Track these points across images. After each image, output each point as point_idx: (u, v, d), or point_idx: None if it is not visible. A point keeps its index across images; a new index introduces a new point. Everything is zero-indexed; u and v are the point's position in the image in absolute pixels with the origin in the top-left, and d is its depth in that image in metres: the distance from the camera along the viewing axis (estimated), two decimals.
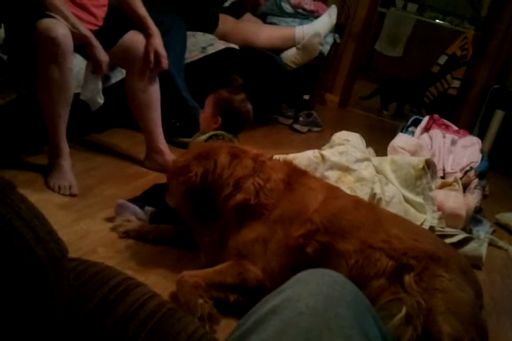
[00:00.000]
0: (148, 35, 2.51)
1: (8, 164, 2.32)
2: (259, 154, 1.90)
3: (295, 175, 1.87)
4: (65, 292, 0.76)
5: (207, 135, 2.18)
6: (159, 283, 1.75)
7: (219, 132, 2.19)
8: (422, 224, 2.37)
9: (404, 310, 1.49)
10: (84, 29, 2.27)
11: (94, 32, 2.42)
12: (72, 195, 2.23)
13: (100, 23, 2.49)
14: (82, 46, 2.28)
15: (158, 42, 2.52)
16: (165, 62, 2.55)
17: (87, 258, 1.06)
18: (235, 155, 1.82)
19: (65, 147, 2.32)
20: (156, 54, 2.51)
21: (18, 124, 2.43)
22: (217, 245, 1.79)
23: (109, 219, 2.09)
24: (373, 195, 2.41)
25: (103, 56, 2.32)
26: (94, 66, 2.34)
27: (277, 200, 1.78)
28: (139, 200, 2.15)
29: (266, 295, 0.85)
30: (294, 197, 1.80)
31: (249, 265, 1.68)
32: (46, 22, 2.12)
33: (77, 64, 2.30)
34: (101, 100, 2.51)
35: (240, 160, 1.81)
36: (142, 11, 2.53)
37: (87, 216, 2.09)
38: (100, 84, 2.49)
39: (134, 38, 2.51)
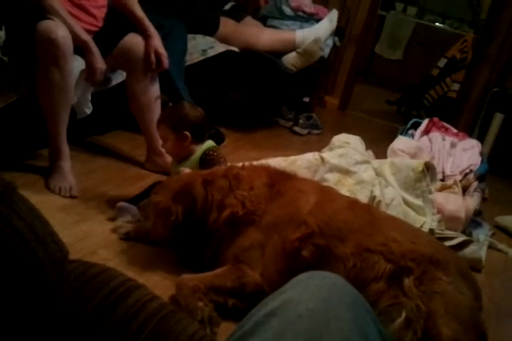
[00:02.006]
0: (147, 37, 2.52)
1: (9, 166, 2.32)
2: (228, 168, 1.92)
3: (280, 179, 1.88)
4: (65, 293, 0.76)
5: (199, 153, 2.13)
6: (160, 284, 1.75)
7: (209, 145, 2.17)
8: (422, 226, 2.37)
9: (404, 315, 1.49)
10: (84, 34, 2.28)
11: (94, 33, 2.44)
12: (72, 197, 2.23)
13: (100, 24, 2.50)
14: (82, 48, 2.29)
15: (157, 42, 2.52)
16: (166, 62, 2.55)
17: (88, 259, 1.06)
18: (208, 182, 1.84)
19: (66, 149, 2.32)
20: (157, 54, 2.51)
21: (19, 126, 2.43)
22: (213, 261, 1.80)
23: (110, 221, 2.09)
24: (373, 198, 2.41)
25: (100, 63, 2.31)
26: (88, 73, 2.33)
27: (266, 205, 1.79)
28: (138, 199, 2.16)
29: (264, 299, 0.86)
30: (284, 201, 1.80)
31: (247, 269, 1.68)
32: (46, 24, 2.12)
33: (78, 66, 2.30)
34: (88, 110, 2.54)
35: (213, 184, 1.83)
36: (139, 12, 2.53)
37: (88, 218, 2.09)
38: (89, 94, 2.51)
39: (133, 41, 2.51)
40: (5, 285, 0.66)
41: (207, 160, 2.12)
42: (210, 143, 2.19)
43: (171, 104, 2.24)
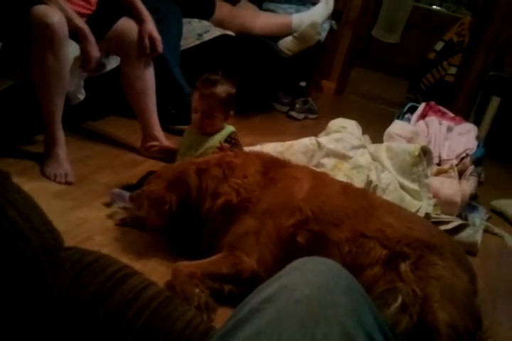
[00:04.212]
0: (140, 21, 2.50)
1: (4, 152, 2.31)
2: (222, 156, 1.91)
3: (274, 166, 1.87)
4: (60, 282, 0.76)
5: (225, 133, 2.19)
6: (155, 270, 1.75)
7: (230, 131, 2.21)
8: (418, 211, 2.38)
9: (399, 300, 1.50)
10: (80, 21, 2.25)
11: (88, 16, 2.41)
12: (68, 183, 2.22)
13: (93, 7, 2.48)
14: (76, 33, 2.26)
15: (151, 26, 2.50)
16: (160, 46, 2.53)
17: (83, 246, 1.06)
18: (202, 170, 1.84)
19: (61, 135, 2.31)
20: (151, 38, 2.49)
21: (14, 112, 2.42)
22: (208, 249, 1.80)
23: (106, 207, 2.09)
24: (369, 182, 2.41)
25: (95, 51, 2.30)
26: (83, 60, 2.31)
27: (260, 192, 1.78)
28: (135, 188, 2.15)
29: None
30: (278, 188, 1.80)
31: (243, 256, 1.68)
32: (41, 8, 2.10)
33: (71, 52, 2.28)
34: (81, 96, 2.54)
35: (207, 172, 1.83)
36: None
37: (83, 204, 2.09)
38: (82, 81, 2.50)
39: (126, 25, 2.49)
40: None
41: (232, 143, 2.19)
42: (230, 126, 2.24)
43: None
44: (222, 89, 2.17)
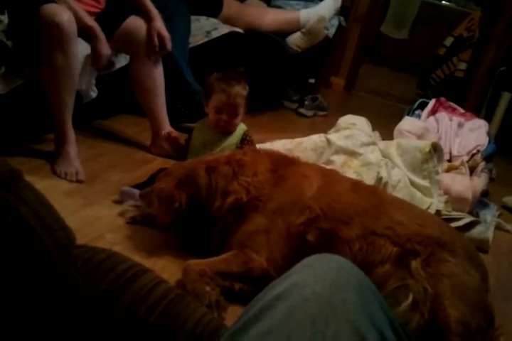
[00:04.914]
0: (149, 19, 2.50)
1: (15, 151, 2.33)
2: (231, 155, 1.91)
3: (283, 164, 1.87)
4: (72, 279, 0.76)
5: (240, 131, 2.19)
6: (167, 268, 1.76)
7: (244, 129, 2.21)
8: (428, 208, 2.37)
9: (410, 297, 1.49)
10: (89, 19, 2.26)
11: (97, 14, 2.42)
12: (78, 182, 2.23)
13: (102, 6, 2.48)
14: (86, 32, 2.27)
15: (159, 24, 2.51)
16: (169, 44, 2.54)
17: (95, 244, 1.06)
18: (211, 169, 1.83)
19: (71, 134, 2.32)
20: (159, 36, 2.50)
21: (24, 111, 2.43)
22: (218, 248, 1.80)
23: (116, 205, 2.09)
24: (379, 179, 2.40)
25: (105, 49, 2.31)
26: (94, 58, 2.33)
27: (270, 191, 1.78)
28: (145, 185, 2.16)
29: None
30: (288, 186, 1.79)
31: (253, 254, 1.68)
32: (50, 7, 2.11)
33: (82, 50, 2.29)
34: (93, 93, 2.55)
35: (216, 171, 1.83)
36: None
37: (94, 202, 2.09)
38: (94, 78, 2.52)
39: (135, 23, 2.49)
40: (11, 272, 0.67)
41: (247, 140, 2.19)
42: (242, 124, 2.23)
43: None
44: (244, 85, 2.15)
